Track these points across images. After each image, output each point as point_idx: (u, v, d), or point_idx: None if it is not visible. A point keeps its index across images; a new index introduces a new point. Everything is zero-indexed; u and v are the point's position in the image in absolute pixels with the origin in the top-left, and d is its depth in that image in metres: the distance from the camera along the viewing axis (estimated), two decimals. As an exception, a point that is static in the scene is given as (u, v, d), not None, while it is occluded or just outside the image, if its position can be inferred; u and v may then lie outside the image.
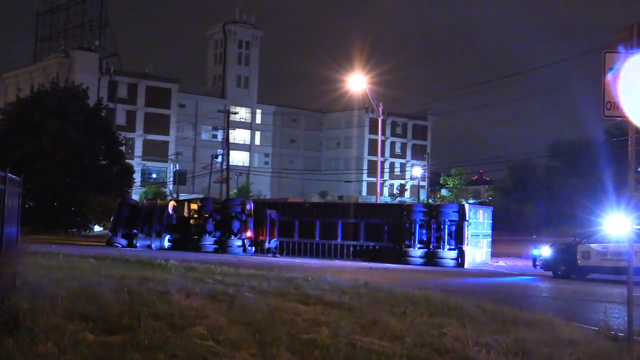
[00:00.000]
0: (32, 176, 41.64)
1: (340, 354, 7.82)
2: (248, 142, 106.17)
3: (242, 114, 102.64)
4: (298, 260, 30.21)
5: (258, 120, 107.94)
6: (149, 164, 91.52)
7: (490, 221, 33.81)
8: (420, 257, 31.07)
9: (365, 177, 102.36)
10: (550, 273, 25.14)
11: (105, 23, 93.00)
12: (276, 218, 35.04)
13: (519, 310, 12.09)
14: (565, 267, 24.67)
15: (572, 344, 9.11)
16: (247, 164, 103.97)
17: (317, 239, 34.42)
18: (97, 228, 54.63)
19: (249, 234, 35.22)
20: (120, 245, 35.29)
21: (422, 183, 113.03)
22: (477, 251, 32.11)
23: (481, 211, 33.53)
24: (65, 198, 52.83)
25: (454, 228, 30.79)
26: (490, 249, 33.57)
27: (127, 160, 62.31)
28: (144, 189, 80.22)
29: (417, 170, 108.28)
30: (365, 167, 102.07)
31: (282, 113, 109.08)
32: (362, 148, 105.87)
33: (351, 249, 33.55)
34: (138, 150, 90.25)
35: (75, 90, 58.78)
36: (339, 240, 33.81)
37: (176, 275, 15.28)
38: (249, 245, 35.14)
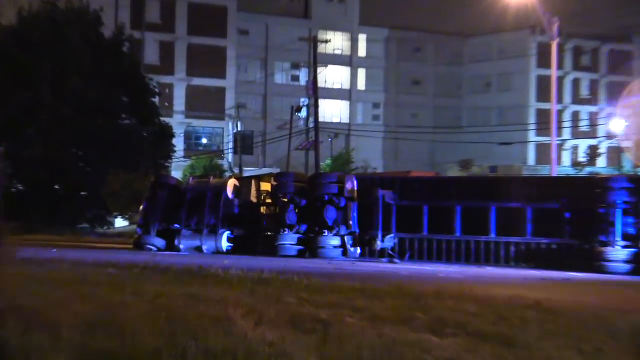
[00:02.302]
0: (22, 146, 42.96)
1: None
2: (347, 86, 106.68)
3: (336, 42, 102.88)
4: (428, 267, 29.99)
5: (361, 51, 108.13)
6: (197, 123, 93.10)
7: None
8: (625, 261, 30.40)
9: (532, 136, 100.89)
10: None
11: None
12: (393, 202, 34.96)
13: None
14: None
15: None
16: (346, 120, 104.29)
17: (457, 234, 34.21)
18: (120, 222, 56.00)
19: (350, 227, 35.22)
20: (154, 248, 35.71)
21: (625, 144, 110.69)
22: None
23: None
24: (71, 178, 54.30)
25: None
26: None
27: (162, 119, 63.41)
28: (188, 162, 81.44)
29: (616, 124, 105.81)
30: (532, 120, 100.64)
31: (398, 39, 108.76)
32: (527, 90, 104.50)
33: (511, 248, 33.22)
34: (179, 102, 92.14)
35: (83, 12, 60.20)
36: (492, 235, 33.57)
37: (240, 292, 15.47)
38: (350, 245, 34.94)
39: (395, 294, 15.89)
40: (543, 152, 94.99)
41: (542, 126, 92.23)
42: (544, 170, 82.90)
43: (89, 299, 12.93)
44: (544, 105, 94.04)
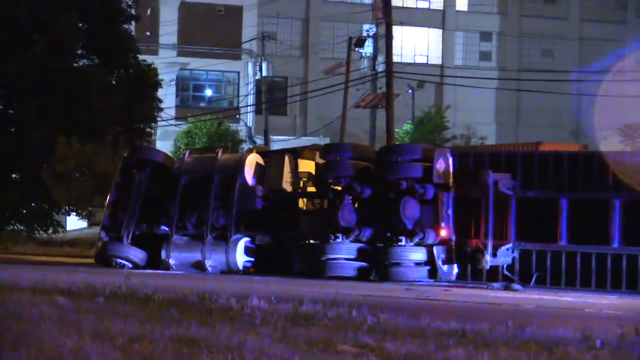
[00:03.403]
0: None
1: None
2: (439, 4, 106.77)
3: None
4: (568, 298, 30.88)
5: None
6: (196, 63, 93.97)
7: None
8: None
9: None
10: None
11: None
12: (512, 193, 35.78)
13: None
14: None
15: None
16: (437, 60, 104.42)
17: (614, 244, 35.07)
18: (75, 222, 56.59)
19: (443, 232, 35.80)
20: (128, 264, 36.76)
21: None
22: None
23: None
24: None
25: None
26: None
27: (142, 57, 63.89)
28: (183, 126, 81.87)
29: None
30: None
31: None
32: None
33: None
34: (169, 30, 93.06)
35: None
36: (675, 247, 32.02)
37: (266, 336, 15.76)
38: (443, 262, 35.64)
39: (515, 340, 16.12)
40: None
41: None
42: None
43: (25, 344, 13.43)
44: None
